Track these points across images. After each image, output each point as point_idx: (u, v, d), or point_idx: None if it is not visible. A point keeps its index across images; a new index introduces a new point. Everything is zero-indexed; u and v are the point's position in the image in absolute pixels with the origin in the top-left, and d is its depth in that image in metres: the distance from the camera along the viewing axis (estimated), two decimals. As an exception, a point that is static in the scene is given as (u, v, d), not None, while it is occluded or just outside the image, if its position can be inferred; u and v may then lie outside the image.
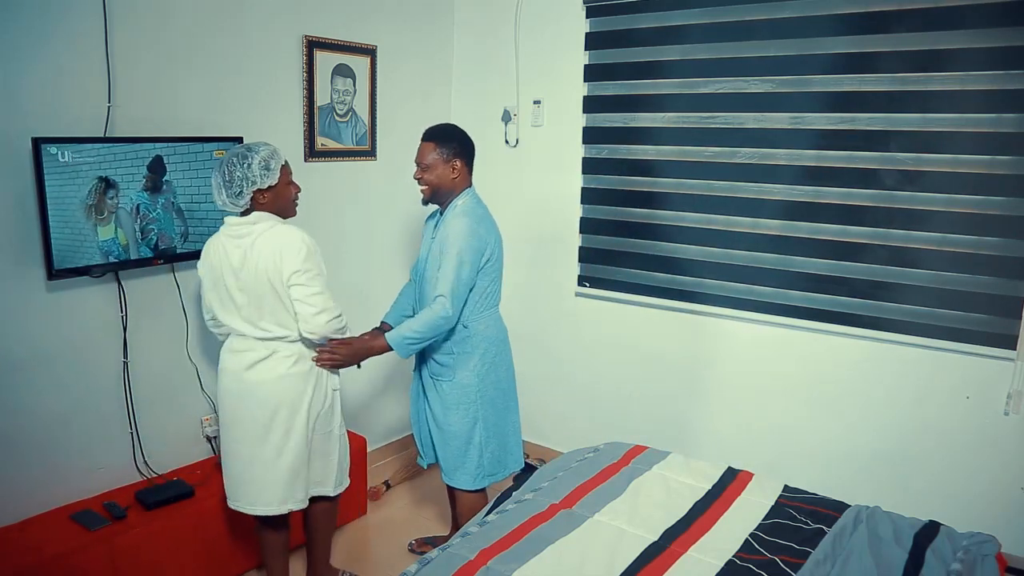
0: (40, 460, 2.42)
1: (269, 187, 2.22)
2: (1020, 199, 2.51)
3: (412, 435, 2.89)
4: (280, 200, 2.28)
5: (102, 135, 2.41)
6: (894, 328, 2.77)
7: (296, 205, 2.37)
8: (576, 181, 3.48)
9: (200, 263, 2.33)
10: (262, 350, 2.28)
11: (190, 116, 2.68)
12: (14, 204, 2.26)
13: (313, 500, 2.47)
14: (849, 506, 2.22)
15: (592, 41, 3.37)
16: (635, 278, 3.37)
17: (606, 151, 3.40)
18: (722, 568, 1.88)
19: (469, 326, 2.54)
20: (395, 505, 3.38)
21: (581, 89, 3.41)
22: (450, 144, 2.51)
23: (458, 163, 2.51)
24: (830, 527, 2.08)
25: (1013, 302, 2.55)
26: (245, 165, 2.18)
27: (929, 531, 2.07)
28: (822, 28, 2.78)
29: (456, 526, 2.81)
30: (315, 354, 2.35)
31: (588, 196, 3.47)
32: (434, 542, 2.94)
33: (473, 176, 2.61)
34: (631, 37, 3.25)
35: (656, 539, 2.01)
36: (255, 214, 2.24)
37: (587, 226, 3.50)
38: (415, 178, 2.55)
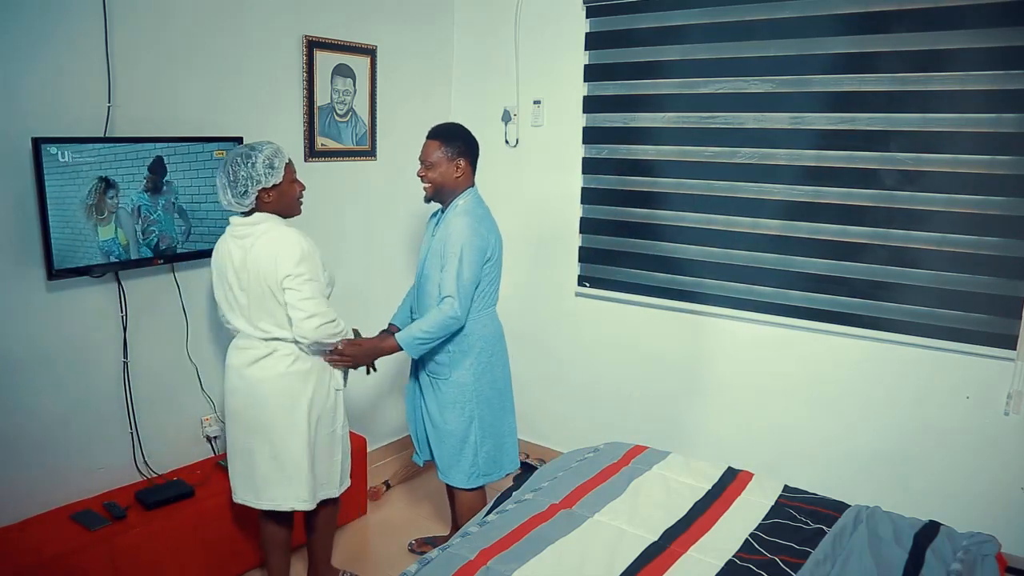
0: (40, 460, 2.42)
1: (273, 186, 2.23)
2: (1020, 199, 2.51)
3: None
4: (285, 199, 2.29)
5: (102, 135, 2.41)
6: (894, 328, 2.77)
7: (301, 203, 2.37)
8: (576, 181, 3.48)
9: (211, 261, 2.37)
10: (263, 348, 2.30)
11: (190, 116, 2.68)
12: (14, 204, 2.26)
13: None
14: (849, 506, 2.22)
15: (592, 41, 3.37)
16: (635, 278, 3.37)
17: (606, 151, 3.40)
18: (722, 568, 1.88)
19: (465, 325, 2.54)
20: (395, 505, 3.38)
21: (581, 89, 3.41)
22: (455, 143, 2.52)
23: (462, 162, 2.52)
24: (830, 527, 2.08)
25: (1013, 302, 2.55)
26: (249, 164, 2.19)
27: (929, 531, 2.07)
28: (822, 28, 2.78)
29: (456, 526, 2.81)
30: (313, 353, 2.35)
31: (588, 196, 3.47)
32: (434, 542, 2.94)
33: (475, 176, 2.62)
34: (631, 37, 3.25)
35: (656, 539, 2.01)
36: (257, 215, 2.25)
37: (587, 226, 3.50)
38: (418, 175, 2.55)
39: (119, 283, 2.55)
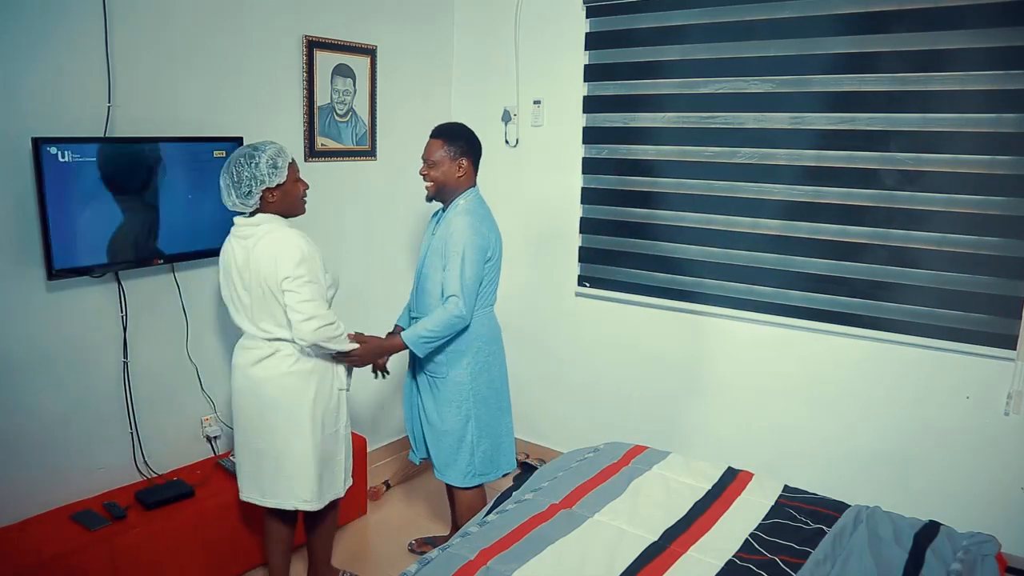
0: (40, 460, 2.42)
1: (277, 185, 2.24)
2: (1020, 199, 2.51)
3: (410, 433, 2.90)
4: (289, 198, 2.29)
5: (102, 135, 2.41)
6: (894, 328, 2.77)
7: (305, 202, 2.37)
8: (576, 181, 3.48)
9: (219, 261, 2.38)
10: (266, 348, 2.31)
11: (190, 116, 2.68)
12: (14, 204, 2.26)
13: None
14: (849, 506, 2.22)
15: (592, 41, 3.37)
16: (635, 278, 3.37)
17: (606, 151, 3.40)
18: (722, 568, 1.88)
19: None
20: (395, 505, 3.38)
21: (581, 89, 3.41)
22: (458, 142, 2.52)
23: (464, 162, 2.53)
24: (830, 527, 2.08)
25: (1013, 302, 2.55)
26: (253, 164, 2.19)
27: (929, 531, 2.07)
28: (822, 28, 2.78)
29: (456, 526, 2.81)
30: (314, 354, 2.35)
31: (588, 196, 3.47)
32: (434, 542, 2.94)
33: (477, 176, 2.62)
34: (631, 37, 3.25)
35: (656, 539, 2.01)
36: (259, 216, 2.26)
37: (587, 226, 3.50)
38: (420, 174, 2.56)
39: (119, 283, 2.55)
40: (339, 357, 2.40)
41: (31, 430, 2.39)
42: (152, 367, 2.68)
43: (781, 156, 2.93)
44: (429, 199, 2.61)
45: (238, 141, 2.66)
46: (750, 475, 2.41)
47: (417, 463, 2.82)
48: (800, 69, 2.84)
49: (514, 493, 2.32)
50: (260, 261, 2.22)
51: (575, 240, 3.53)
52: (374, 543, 3.11)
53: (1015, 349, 2.54)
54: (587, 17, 3.35)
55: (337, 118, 3.22)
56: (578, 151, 3.46)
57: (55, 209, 2.26)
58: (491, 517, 2.14)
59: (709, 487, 2.32)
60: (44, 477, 2.43)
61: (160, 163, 2.51)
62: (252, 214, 2.27)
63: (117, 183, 2.40)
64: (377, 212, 3.49)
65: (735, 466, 2.48)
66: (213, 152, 2.64)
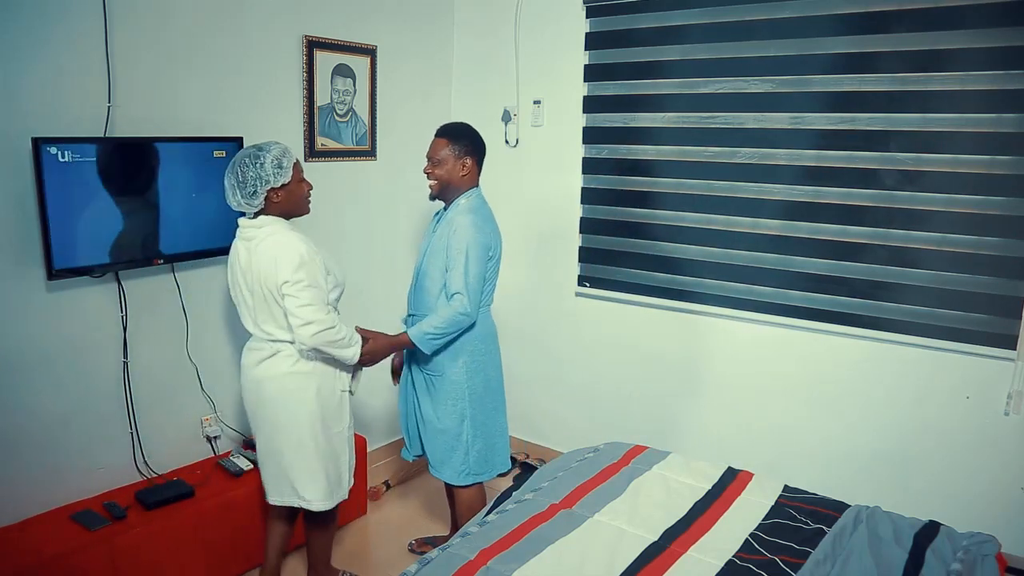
0: (40, 460, 2.42)
1: (282, 185, 2.24)
2: (1020, 199, 2.51)
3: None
4: (293, 198, 2.30)
5: (102, 135, 2.41)
6: (894, 328, 2.77)
7: (309, 202, 2.38)
8: (576, 181, 3.48)
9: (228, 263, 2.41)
10: (268, 349, 2.32)
11: (190, 116, 2.68)
12: (14, 204, 2.26)
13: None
14: (849, 506, 2.22)
15: (592, 41, 3.37)
16: (635, 278, 3.37)
17: (606, 151, 3.40)
18: (722, 568, 1.88)
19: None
20: (395, 505, 3.38)
21: (581, 89, 3.41)
22: (462, 141, 2.54)
23: (469, 161, 2.54)
24: (830, 527, 2.08)
25: (1013, 302, 2.55)
26: (258, 165, 2.20)
27: (929, 531, 2.07)
28: (822, 28, 2.78)
29: (455, 526, 2.81)
30: (314, 357, 2.36)
31: (588, 196, 3.47)
32: (434, 542, 2.94)
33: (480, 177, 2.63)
34: (631, 37, 3.25)
35: (656, 539, 2.01)
36: (262, 218, 2.27)
37: (587, 226, 3.50)
38: (424, 172, 2.57)
39: (119, 283, 2.55)
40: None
41: (31, 430, 2.39)
42: (152, 367, 2.68)
43: (781, 156, 2.93)
44: (432, 198, 2.62)
45: (238, 141, 2.67)
46: (750, 475, 2.41)
47: (410, 460, 2.82)
48: (800, 69, 2.84)
49: (514, 493, 2.32)
50: (261, 263, 2.23)
51: (575, 240, 3.53)
52: (374, 543, 3.11)
53: (1015, 349, 2.54)
54: (587, 17, 3.35)
55: (337, 118, 3.22)
56: (578, 151, 3.46)
57: (55, 209, 2.25)
58: (491, 517, 2.14)
59: (709, 487, 2.32)
60: (44, 477, 2.43)
61: (160, 163, 2.51)
62: (256, 215, 2.27)
63: (117, 183, 2.41)
64: (377, 212, 3.49)
65: (735, 466, 2.48)
66: (213, 152, 2.64)
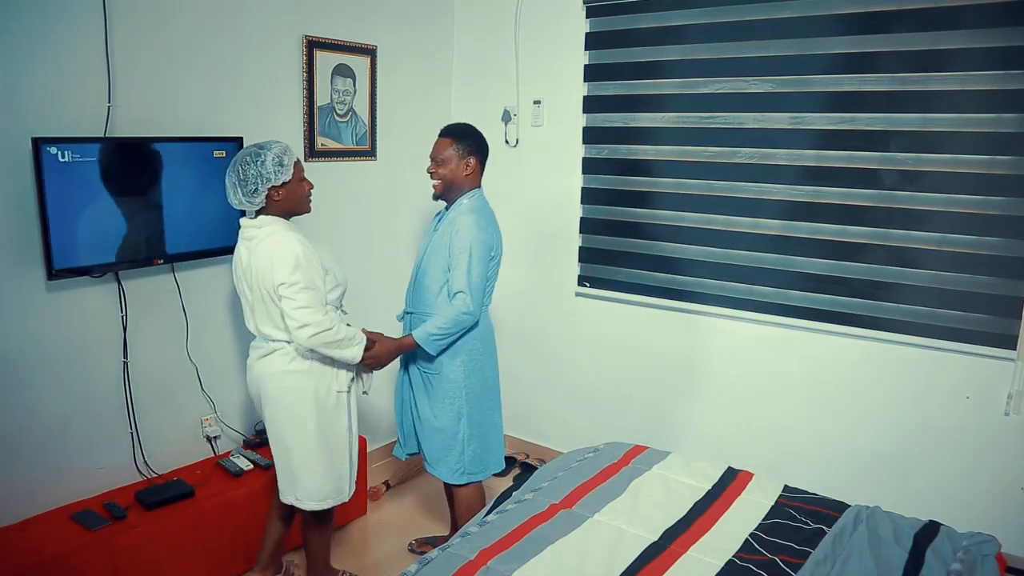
0: (40, 460, 2.42)
1: (283, 184, 2.25)
2: (1020, 199, 2.51)
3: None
4: (294, 196, 2.30)
5: (102, 135, 2.41)
6: (894, 328, 2.77)
7: (310, 201, 2.38)
8: (576, 181, 3.48)
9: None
10: (266, 347, 2.34)
11: (190, 116, 2.68)
12: (14, 204, 2.26)
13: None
14: (849, 506, 2.22)
15: (592, 41, 3.37)
16: (635, 278, 3.37)
17: (606, 151, 3.40)
18: (722, 568, 1.88)
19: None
20: (395, 505, 3.38)
21: (581, 89, 3.41)
22: (466, 141, 2.55)
23: (472, 161, 2.55)
24: (830, 527, 2.08)
25: (1013, 302, 2.55)
26: (259, 163, 2.20)
27: (929, 531, 2.07)
28: (822, 28, 2.78)
29: (455, 526, 2.81)
30: (312, 357, 2.36)
31: (588, 196, 3.47)
32: (434, 542, 2.94)
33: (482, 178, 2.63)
34: (631, 37, 3.25)
35: (656, 539, 2.01)
36: (262, 217, 2.27)
37: (587, 226, 3.50)
38: (428, 172, 2.58)
39: (119, 283, 2.55)
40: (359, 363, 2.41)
41: (31, 430, 2.38)
42: (152, 367, 2.68)
43: (781, 156, 2.93)
44: (436, 197, 2.63)
45: (238, 141, 2.67)
46: (750, 475, 2.41)
47: (403, 458, 2.83)
48: (800, 69, 2.84)
49: (514, 493, 2.32)
50: (259, 263, 2.23)
51: (575, 240, 3.53)
52: (374, 543, 3.11)
53: (1015, 349, 2.54)
54: (587, 17, 3.35)
55: (337, 118, 3.22)
56: (578, 151, 3.46)
57: (55, 209, 2.25)
58: (491, 517, 2.14)
59: (709, 487, 2.32)
60: (44, 477, 2.43)
61: (160, 163, 2.51)
62: (257, 214, 2.28)
63: (117, 183, 2.40)
64: (377, 212, 3.49)
65: (735, 466, 2.48)
66: (213, 152, 2.64)
